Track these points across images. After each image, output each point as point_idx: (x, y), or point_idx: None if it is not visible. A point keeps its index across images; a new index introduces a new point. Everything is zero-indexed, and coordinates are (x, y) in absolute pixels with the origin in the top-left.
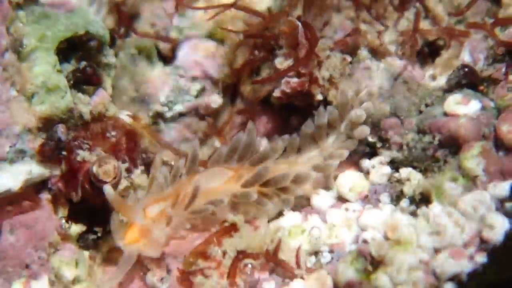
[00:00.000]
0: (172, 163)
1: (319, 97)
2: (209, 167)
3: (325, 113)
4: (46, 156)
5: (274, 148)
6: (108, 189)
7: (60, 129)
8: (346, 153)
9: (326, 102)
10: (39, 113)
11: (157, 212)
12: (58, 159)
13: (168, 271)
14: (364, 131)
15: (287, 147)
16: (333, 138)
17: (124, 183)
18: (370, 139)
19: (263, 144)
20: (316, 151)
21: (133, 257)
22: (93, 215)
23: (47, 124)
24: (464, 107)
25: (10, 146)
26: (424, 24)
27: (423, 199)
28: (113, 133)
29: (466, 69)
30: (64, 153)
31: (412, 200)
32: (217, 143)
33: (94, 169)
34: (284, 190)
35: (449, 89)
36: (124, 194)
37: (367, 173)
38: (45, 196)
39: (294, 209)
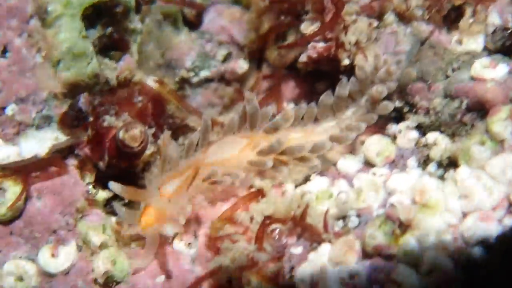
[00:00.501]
0: (199, 129)
1: (346, 62)
2: (223, 137)
3: (346, 84)
4: (67, 125)
5: (286, 116)
6: (113, 185)
7: (82, 99)
8: (364, 126)
9: (352, 67)
10: (65, 79)
11: (173, 189)
12: (79, 129)
13: (195, 236)
14: (387, 107)
15: (304, 115)
16: (352, 111)
17: (151, 148)
18: (397, 103)
19: (270, 110)
20: (334, 122)
21: (156, 239)
22: (120, 180)
23: (73, 90)
24: (491, 71)
25: (37, 112)
26: None
27: (451, 163)
28: (140, 98)
29: (509, 31)
30: (86, 122)
31: (439, 165)
32: None
33: (121, 134)
34: (301, 159)
35: (495, 51)
36: (151, 159)
37: (394, 137)
38: (72, 162)
39: (321, 174)
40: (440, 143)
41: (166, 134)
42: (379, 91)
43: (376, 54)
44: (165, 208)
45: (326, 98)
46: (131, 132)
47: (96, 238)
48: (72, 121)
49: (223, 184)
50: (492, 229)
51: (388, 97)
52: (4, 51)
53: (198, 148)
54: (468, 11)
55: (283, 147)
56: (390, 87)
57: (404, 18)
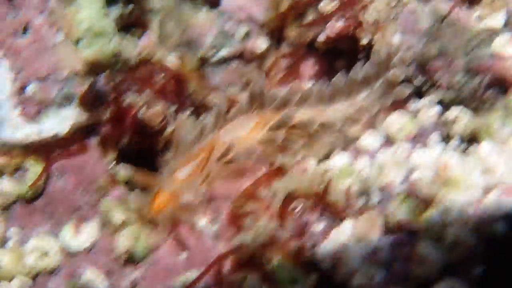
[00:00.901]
0: (219, 107)
1: (365, 41)
2: (233, 118)
3: (361, 68)
4: (86, 104)
5: (293, 91)
6: (125, 169)
7: (102, 79)
8: (375, 108)
9: (371, 46)
10: (85, 58)
11: (187, 173)
12: (99, 108)
13: (217, 213)
14: (403, 92)
15: (315, 96)
16: (365, 94)
17: (171, 126)
18: (418, 80)
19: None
20: (346, 104)
21: (169, 223)
22: (141, 158)
23: (93, 68)
24: None
25: (58, 91)
26: None
27: (473, 139)
28: (160, 77)
29: None
30: (105, 101)
31: (461, 140)
32: None
33: (142, 114)
34: (310, 136)
35: None
36: (172, 137)
37: (415, 114)
38: (93, 140)
39: (342, 150)
40: (462, 119)
41: (181, 117)
42: (396, 75)
43: (389, 43)
44: (178, 191)
45: (339, 79)
46: (152, 110)
47: (118, 216)
48: (91, 100)
49: (239, 161)
50: None
51: (405, 80)
52: (25, 30)
53: (210, 130)
54: None
55: (292, 122)
56: (407, 71)
57: None
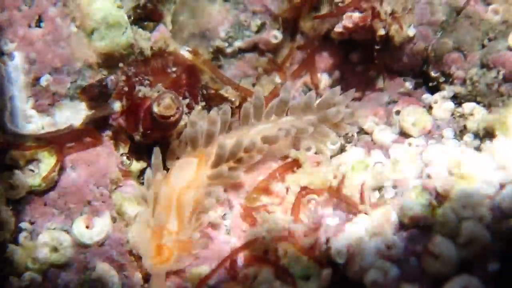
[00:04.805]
0: (233, 99)
1: (382, 31)
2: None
3: (289, 90)
4: (88, 97)
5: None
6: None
7: (111, 78)
8: (293, 131)
9: (388, 37)
10: (99, 49)
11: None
12: (101, 103)
13: (231, 207)
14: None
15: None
16: (291, 119)
17: (185, 119)
18: (433, 73)
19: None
20: (271, 125)
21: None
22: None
23: (107, 60)
24: None
25: (71, 83)
26: None
27: (487, 134)
28: (174, 68)
29: None
30: (108, 99)
31: (476, 135)
32: (277, 78)
33: (155, 107)
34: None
35: None
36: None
37: (430, 108)
38: (106, 133)
39: (356, 144)
40: (476, 114)
41: (194, 114)
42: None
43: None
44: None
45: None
46: (164, 101)
47: (130, 209)
48: (95, 95)
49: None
50: None
51: (423, 66)
52: (38, 21)
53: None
54: None
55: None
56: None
57: None
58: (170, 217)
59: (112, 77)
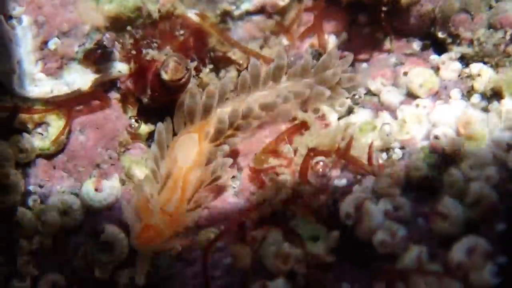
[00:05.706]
0: (240, 62)
1: None
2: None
3: (284, 56)
4: (90, 61)
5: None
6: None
7: (107, 36)
8: (291, 96)
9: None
10: (107, 12)
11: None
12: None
13: (239, 169)
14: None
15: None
16: (289, 84)
17: (193, 82)
18: (440, 35)
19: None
20: (268, 91)
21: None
22: (161, 114)
23: (115, 23)
24: None
25: (79, 46)
26: None
27: (495, 95)
28: (181, 31)
29: None
30: (109, 59)
31: (483, 96)
32: (284, 41)
33: (163, 74)
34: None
35: None
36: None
37: (437, 69)
38: (114, 96)
39: (364, 106)
40: (484, 74)
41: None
42: (332, 75)
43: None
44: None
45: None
46: (171, 64)
47: (139, 172)
48: (98, 57)
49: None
50: None
51: (430, 27)
52: None
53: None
54: None
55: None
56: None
57: None
58: (174, 196)
59: (107, 34)
